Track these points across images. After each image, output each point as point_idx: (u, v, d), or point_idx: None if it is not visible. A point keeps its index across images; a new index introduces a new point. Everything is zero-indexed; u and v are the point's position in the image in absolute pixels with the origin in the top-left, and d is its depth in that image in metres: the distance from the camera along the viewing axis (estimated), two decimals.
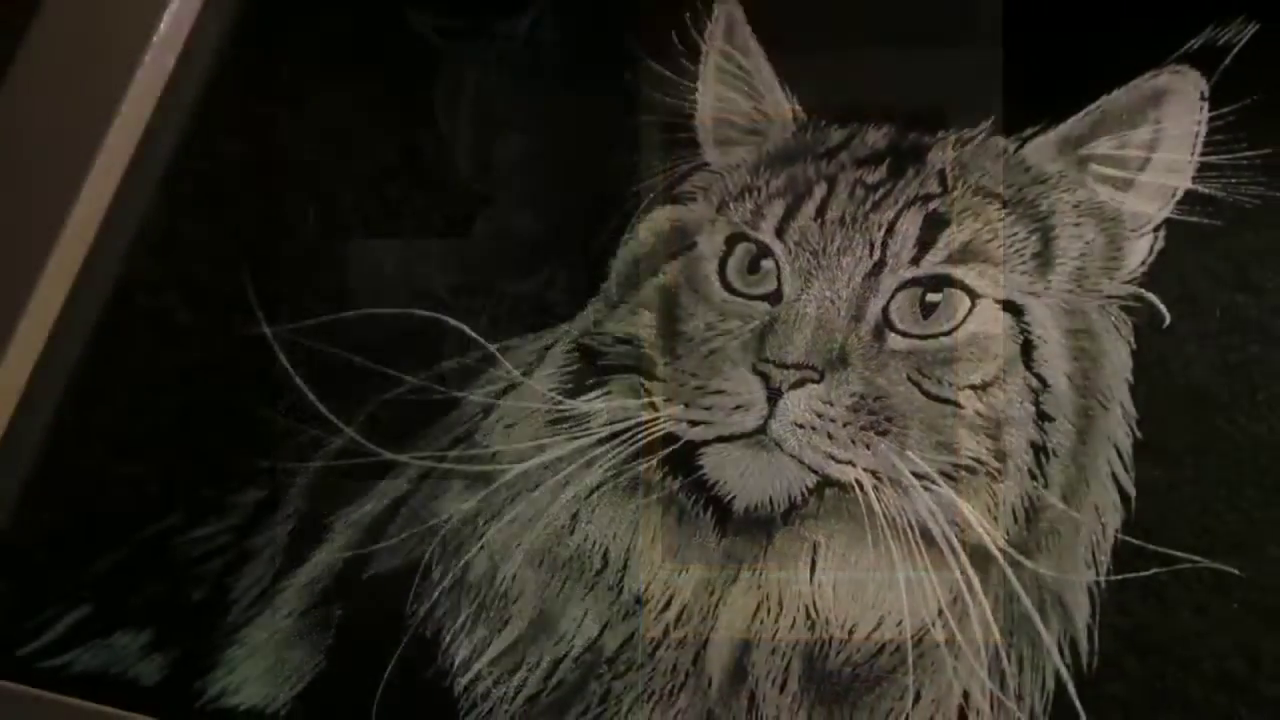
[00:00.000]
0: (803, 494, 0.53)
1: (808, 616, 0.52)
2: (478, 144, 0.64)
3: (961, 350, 0.54)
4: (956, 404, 0.53)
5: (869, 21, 0.62)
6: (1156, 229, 0.55)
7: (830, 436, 0.52)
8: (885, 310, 0.54)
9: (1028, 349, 0.54)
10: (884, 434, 0.53)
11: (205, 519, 0.59)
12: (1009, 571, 0.51)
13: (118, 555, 0.59)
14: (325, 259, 0.63)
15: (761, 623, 0.52)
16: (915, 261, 0.55)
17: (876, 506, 0.52)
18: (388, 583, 0.56)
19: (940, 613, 0.51)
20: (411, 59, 0.67)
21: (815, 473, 0.53)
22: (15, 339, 0.60)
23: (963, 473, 0.52)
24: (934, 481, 0.52)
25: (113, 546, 0.59)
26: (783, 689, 0.51)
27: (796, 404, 0.53)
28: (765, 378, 0.54)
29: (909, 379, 0.53)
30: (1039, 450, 0.52)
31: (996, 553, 0.51)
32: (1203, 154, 0.55)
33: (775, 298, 0.56)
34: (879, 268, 0.55)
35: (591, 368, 0.58)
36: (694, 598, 0.53)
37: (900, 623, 0.51)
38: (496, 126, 0.64)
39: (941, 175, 0.57)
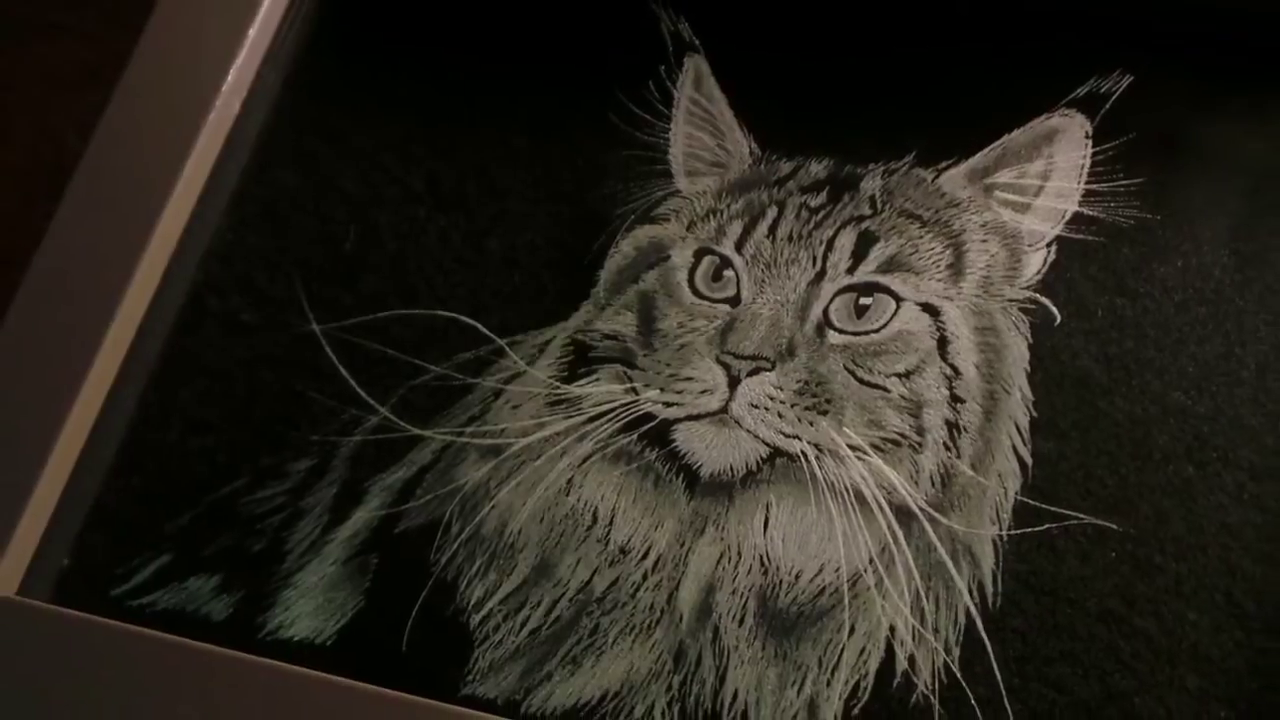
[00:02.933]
0: (757, 463, 0.56)
1: (762, 564, 0.55)
2: (491, 173, 0.66)
3: (889, 344, 0.57)
4: (885, 389, 0.56)
5: (813, 73, 0.65)
6: (1049, 244, 0.58)
7: (780, 415, 0.56)
8: (826, 312, 0.58)
9: (943, 343, 0.57)
10: (825, 413, 0.56)
11: (265, 483, 0.61)
12: (928, 527, 0.54)
13: (193, 513, 0.61)
14: (364, 269, 0.65)
15: (724, 569, 0.55)
16: (850, 271, 0.58)
17: (818, 473, 0.55)
18: (415, 536, 0.58)
19: (871, 561, 0.53)
20: (435, 104, 0.68)
21: (768, 445, 0.56)
22: (108, 335, 0.61)
23: (890, 445, 0.55)
24: (866, 452, 0.55)
25: (189, 506, 0.61)
26: (741, 623, 0.54)
27: (752, 389, 0.56)
28: (726, 367, 0.57)
29: (845, 368, 0.56)
30: (952, 427, 0.56)
31: (917, 511, 0.54)
32: (1088, 183, 0.59)
33: (735, 301, 0.59)
34: (820, 277, 0.58)
35: (583, 359, 0.60)
36: (668, 548, 0.55)
37: (838, 569, 0.54)
38: (506, 158, 0.66)
39: (872, 200, 0.60)
